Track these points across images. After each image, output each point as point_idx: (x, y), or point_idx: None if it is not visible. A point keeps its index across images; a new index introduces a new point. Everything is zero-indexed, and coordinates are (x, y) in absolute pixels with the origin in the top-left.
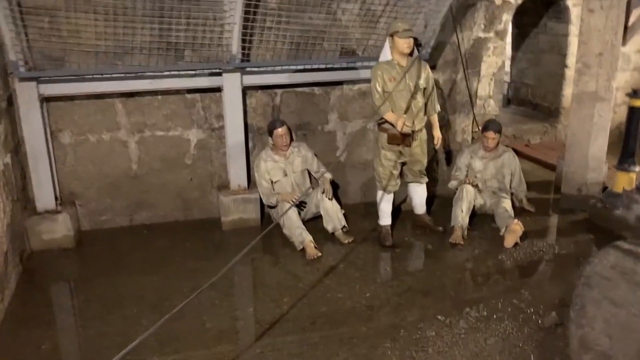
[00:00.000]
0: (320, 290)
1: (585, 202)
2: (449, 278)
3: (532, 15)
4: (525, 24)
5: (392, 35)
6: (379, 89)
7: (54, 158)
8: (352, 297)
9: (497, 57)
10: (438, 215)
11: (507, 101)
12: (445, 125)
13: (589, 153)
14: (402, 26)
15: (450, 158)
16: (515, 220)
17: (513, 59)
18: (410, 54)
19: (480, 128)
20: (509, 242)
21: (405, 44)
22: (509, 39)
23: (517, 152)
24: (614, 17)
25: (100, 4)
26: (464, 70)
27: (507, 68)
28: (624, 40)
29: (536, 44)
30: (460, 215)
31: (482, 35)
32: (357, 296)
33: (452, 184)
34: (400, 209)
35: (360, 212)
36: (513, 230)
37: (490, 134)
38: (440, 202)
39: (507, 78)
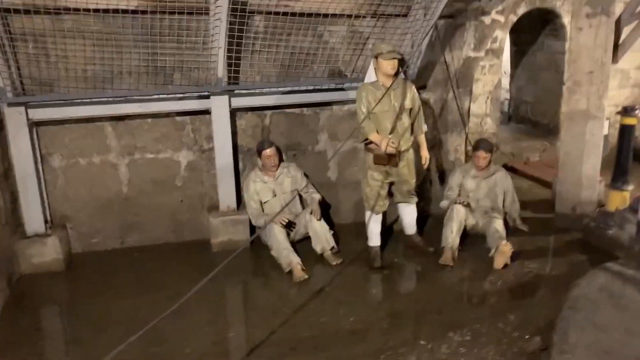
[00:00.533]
0: (304, 314)
1: (579, 222)
2: (436, 301)
3: (529, 33)
4: (523, 42)
5: (376, 57)
6: (364, 110)
7: (45, 181)
8: (336, 321)
9: (493, 76)
10: (431, 235)
11: (508, 118)
12: (437, 145)
13: (582, 172)
14: (386, 48)
15: (443, 177)
16: (505, 242)
17: (512, 76)
18: (396, 75)
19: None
20: (499, 263)
21: (389, 66)
22: (507, 56)
23: (516, 170)
24: (602, 35)
25: (89, 29)
26: (453, 90)
27: (507, 86)
28: (615, 58)
29: (534, 62)
30: (450, 236)
31: (472, 54)
32: (342, 320)
33: (444, 203)
34: (392, 229)
35: (352, 232)
36: (502, 252)
37: (481, 153)
38: (434, 221)
39: (507, 95)
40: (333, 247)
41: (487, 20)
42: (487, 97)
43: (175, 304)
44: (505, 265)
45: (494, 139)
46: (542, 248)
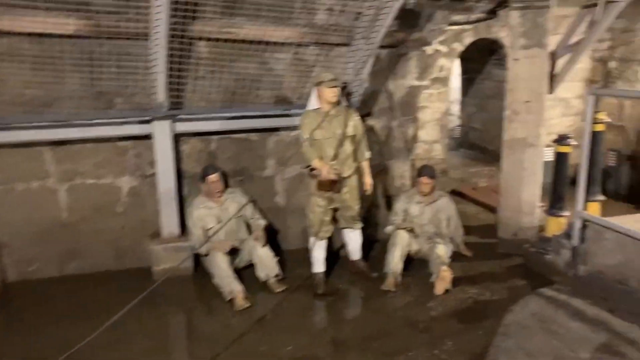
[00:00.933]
0: (244, 343)
1: (520, 247)
2: (375, 328)
3: (478, 62)
4: (472, 70)
5: (318, 85)
6: (306, 137)
7: None
8: (273, 350)
9: (441, 103)
10: (377, 261)
11: (459, 145)
12: (383, 171)
13: (521, 198)
14: (328, 76)
15: (389, 203)
16: (445, 267)
17: (462, 103)
18: (338, 103)
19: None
20: (439, 289)
21: (331, 94)
22: (458, 84)
23: (464, 195)
24: (538, 66)
25: (25, 53)
26: (395, 117)
27: (458, 113)
28: (552, 88)
29: (482, 90)
30: (393, 262)
31: (416, 83)
32: (279, 349)
33: (388, 229)
34: (338, 255)
35: (300, 258)
36: (442, 278)
37: (425, 180)
38: (381, 246)
39: (458, 122)
40: (277, 274)
41: (429, 50)
42: (436, 124)
43: (139, 332)
44: (447, 291)
45: (443, 165)
46: (484, 273)
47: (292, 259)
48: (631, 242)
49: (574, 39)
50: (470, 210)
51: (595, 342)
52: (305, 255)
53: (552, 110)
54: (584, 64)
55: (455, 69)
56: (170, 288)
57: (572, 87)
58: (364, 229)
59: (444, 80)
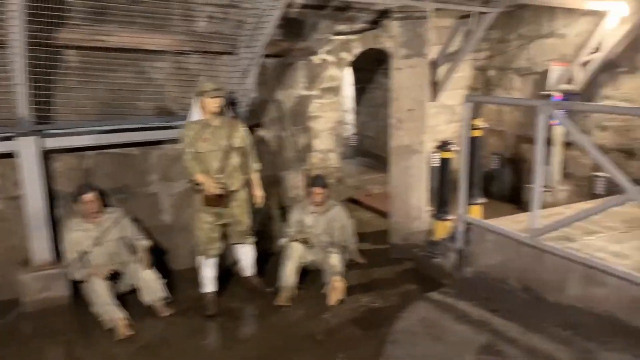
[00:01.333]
0: None
1: (411, 252)
2: (269, 345)
3: (368, 72)
4: (363, 80)
5: (200, 95)
6: (189, 150)
7: None
8: None
9: (334, 112)
10: (274, 274)
11: (355, 153)
12: (276, 182)
13: (410, 203)
14: (210, 86)
15: (284, 214)
16: (337, 277)
17: (356, 112)
18: (222, 113)
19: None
20: (332, 299)
21: (214, 104)
22: (351, 93)
23: (359, 203)
24: (419, 75)
25: None
26: (286, 127)
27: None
28: (434, 96)
29: (374, 99)
30: (287, 276)
31: (305, 92)
32: None
33: (282, 241)
34: (231, 272)
35: (191, 278)
36: (334, 288)
37: (317, 190)
38: (277, 259)
39: (353, 130)
40: (164, 297)
41: (316, 59)
42: (330, 133)
43: None
44: (341, 301)
45: (339, 174)
46: (377, 280)
47: (183, 280)
48: (509, 242)
49: (452, 49)
50: (365, 217)
51: (477, 344)
52: (195, 275)
53: (439, 117)
54: (466, 73)
55: (346, 78)
56: (45, 320)
57: (456, 95)
58: (258, 243)
59: (335, 90)
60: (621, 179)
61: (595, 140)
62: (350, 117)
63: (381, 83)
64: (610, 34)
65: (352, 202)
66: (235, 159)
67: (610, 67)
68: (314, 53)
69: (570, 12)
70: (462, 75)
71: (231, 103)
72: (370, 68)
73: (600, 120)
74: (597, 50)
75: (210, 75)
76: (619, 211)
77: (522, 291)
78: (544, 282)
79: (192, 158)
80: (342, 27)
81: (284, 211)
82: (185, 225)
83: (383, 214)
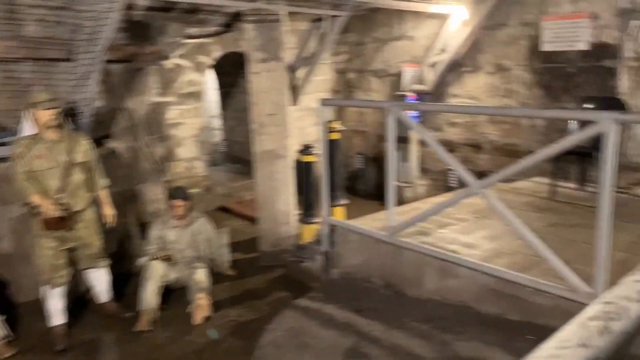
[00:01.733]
0: None
1: (281, 258)
2: None
3: (232, 76)
4: (227, 84)
5: (33, 107)
6: (22, 170)
7: None
8: None
9: (197, 119)
10: (135, 298)
11: (225, 159)
12: (133, 197)
13: (277, 209)
14: (43, 96)
15: (144, 231)
16: (200, 294)
17: (223, 117)
18: (60, 126)
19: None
20: (197, 318)
21: (48, 116)
22: (217, 97)
23: (230, 211)
24: (277, 78)
25: None
26: (140, 137)
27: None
28: (295, 100)
29: (239, 103)
30: (147, 298)
31: (158, 99)
32: None
33: (141, 260)
34: (85, 300)
35: (37, 310)
36: (198, 305)
37: (177, 202)
38: (138, 281)
39: (221, 136)
40: (4, 336)
41: (168, 64)
42: (194, 140)
43: None
44: (207, 318)
45: (206, 182)
46: (247, 291)
47: (29, 313)
48: (370, 241)
49: (309, 52)
50: (237, 225)
51: (343, 348)
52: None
53: (305, 120)
54: (327, 76)
55: (210, 82)
56: None
57: (320, 98)
58: (115, 265)
59: (197, 95)
60: (463, 173)
61: (447, 136)
62: (217, 123)
63: (245, 87)
64: (454, 36)
65: (223, 211)
66: (78, 176)
67: (456, 67)
68: (165, 57)
69: (417, 15)
70: (325, 78)
71: (71, 114)
72: (234, 72)
73: (450, 118)
74: (443, 51)
75: (46, 84)
76: (470, 203)
77: (384, 288)
78: (403, 277)
79: (26, 178)
80: (193, 31)
81: (144, 228)
82: (27, 253)
83: (255, 221)
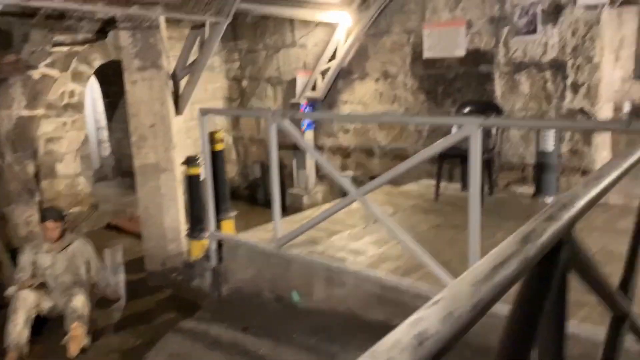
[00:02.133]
0: None
1: (169, 277)
2: None
3: (118, 85)
4: (114, 94)
5: None
6: None
7: None
8: None
9: (79, 132)
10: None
11: (114, 174)
12: (1, 221)
13: (164, 225)
14: None
15: (14, 258)
16: (75, 324)
17: (110, 129)
18: None
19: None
20: (73, 350)
21: None
22: (102, 108)
23: (119, 228)
24: (157, 88)
25: None
26: (5, 155)
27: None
28: (179, 110)
29: (126, 114)
30: (15, 331)
31: (26, 113)
32: None
33: (10, 290)
34: None
35: None
36: (73, 336)
37: (50, 224)
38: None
39: (108, 150)
40: None
41: (36, 74)
42: (76, 155)
43: None
44: (84, 350)
45: (91, 199)
46: (132, 315)
47: None
48: (260, 253)
49: (191, 60)
50: (126, 243)
51: None
52: None
53: (196, 131)
54: (220, 84)
55: (93, 93)
56: None
57: (213, 106)
58: None
59: (77, 107)
60: (342, 181)
61: (341, 142)
62: (104, 135)
63: None
64: (342, 43)
65: (112, 229)
66: None
67: (345, 74)
68: (33, 67)
69: (307, 23)
70: (218, 86)
71: None
72: (119, 81)
73: (344, 124)
74: (333, 58)
75: None
76: (359, 208)
77: (275, 302)
78: (293, 289)
79: None
80: (62, 38)
81: (13, 254)
82: None
83: None
